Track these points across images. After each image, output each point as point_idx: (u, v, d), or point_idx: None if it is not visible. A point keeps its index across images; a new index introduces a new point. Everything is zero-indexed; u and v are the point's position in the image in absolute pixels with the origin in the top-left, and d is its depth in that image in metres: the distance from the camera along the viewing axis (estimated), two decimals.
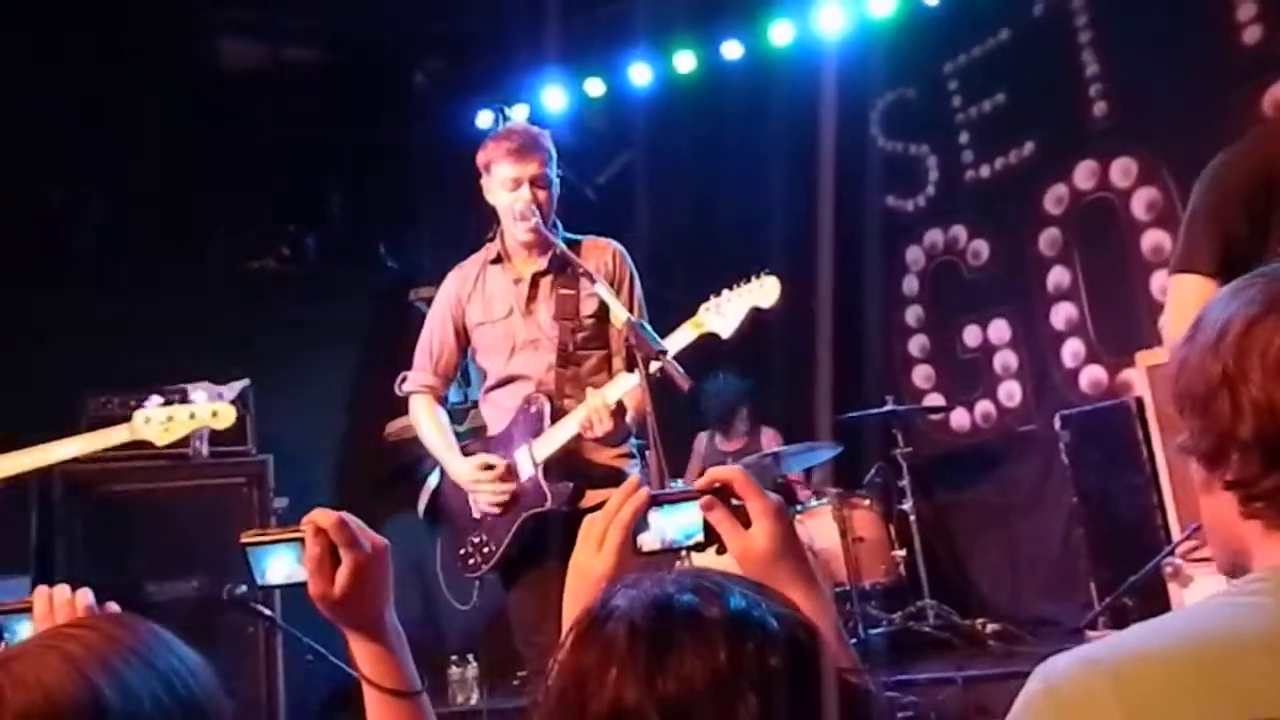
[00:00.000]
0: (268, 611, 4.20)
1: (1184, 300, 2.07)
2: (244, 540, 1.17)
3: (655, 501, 1.11)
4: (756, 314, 2.57)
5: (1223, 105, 4.49)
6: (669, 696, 0.71)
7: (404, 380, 2.94)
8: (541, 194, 2.72)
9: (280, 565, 1.15)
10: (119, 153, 4.82)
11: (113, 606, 1.24)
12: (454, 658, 4.57)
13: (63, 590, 1.23)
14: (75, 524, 4.02)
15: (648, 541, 1.11)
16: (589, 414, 2.55)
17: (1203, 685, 0.76)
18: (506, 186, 2.72)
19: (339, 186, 5.61)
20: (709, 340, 2.58)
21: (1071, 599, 4.62)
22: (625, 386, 2.54)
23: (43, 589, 1.24)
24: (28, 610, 1.24)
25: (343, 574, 1.10)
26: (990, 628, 4.41)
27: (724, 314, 2.54)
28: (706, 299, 2.59)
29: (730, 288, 2.58)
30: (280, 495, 4.46)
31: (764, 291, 2.54)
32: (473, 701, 4.43)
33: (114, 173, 4.83)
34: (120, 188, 4.87)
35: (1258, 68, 4.40)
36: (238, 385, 4.55)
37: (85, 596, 1.22)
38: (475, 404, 3.27)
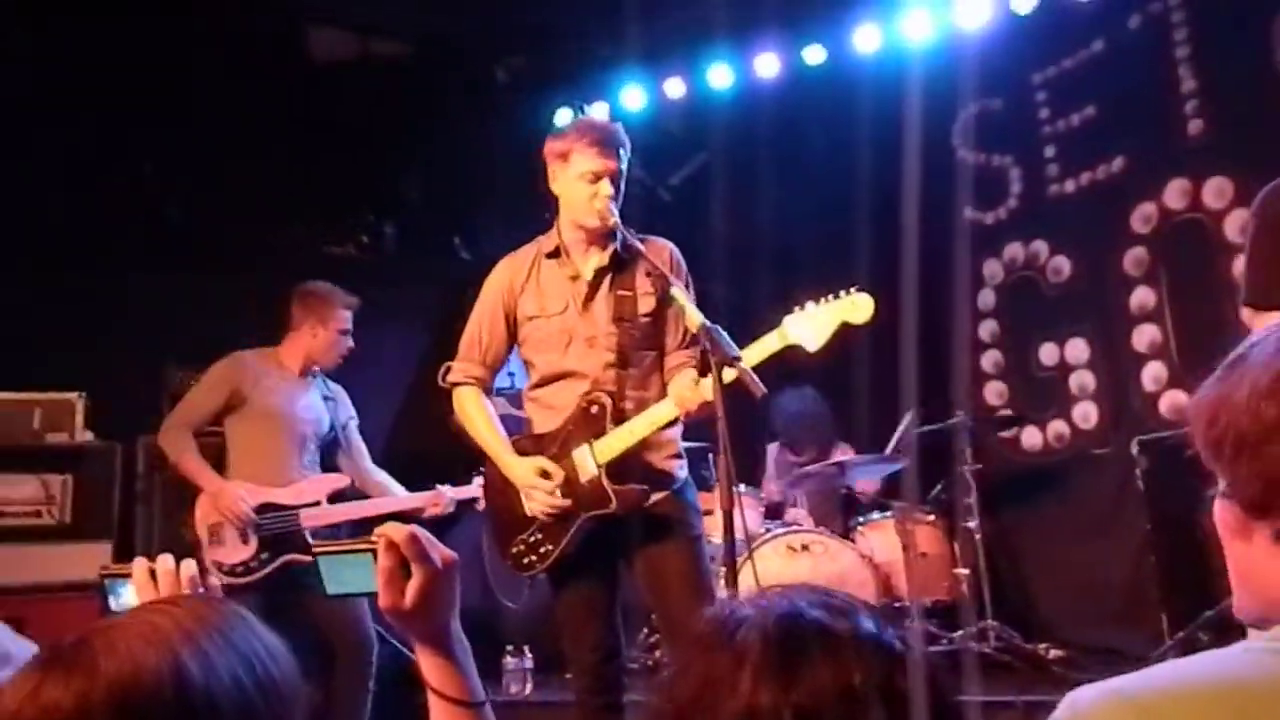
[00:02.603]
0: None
1: None
2: (315, 550, 1.21)
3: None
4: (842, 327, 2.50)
5: None
6: (802, 704, 0.74)
7: (448, 371, 2.86)
8: (617, 190, 2.70)
9: (351, 575, 1.18)
10: (209, 135, 4.97)
11: (214, 581, 1.29)
12: (509, 648, 4.61)
13: (167, 560, 1.28)
14: (154, 496, 4.17)
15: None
16: (684, 389, 2.51)
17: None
18: (585, 179, 2.67)
19: (419, 177, 5.72)
20: (789, 350, 2.52)
21: (1140, 629, 4.48)
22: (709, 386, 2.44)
23: (141, 560, 1.30)
24: (128, 576, 1.29)
25: (413, 587, 1.12)
26: (1054, 653, 4.31)
27: (811, 327, 2.47)
28: (790, 309, 2.51)
29: (817, 300, 2.50)
30: None
31: (856, 308, 2.48)
32: (526, 692, 4.48)
33: (203, 155, 4.98)
34: (208, 170, 5.02)
35: None
36: None
37: (189, 568, 1.27)
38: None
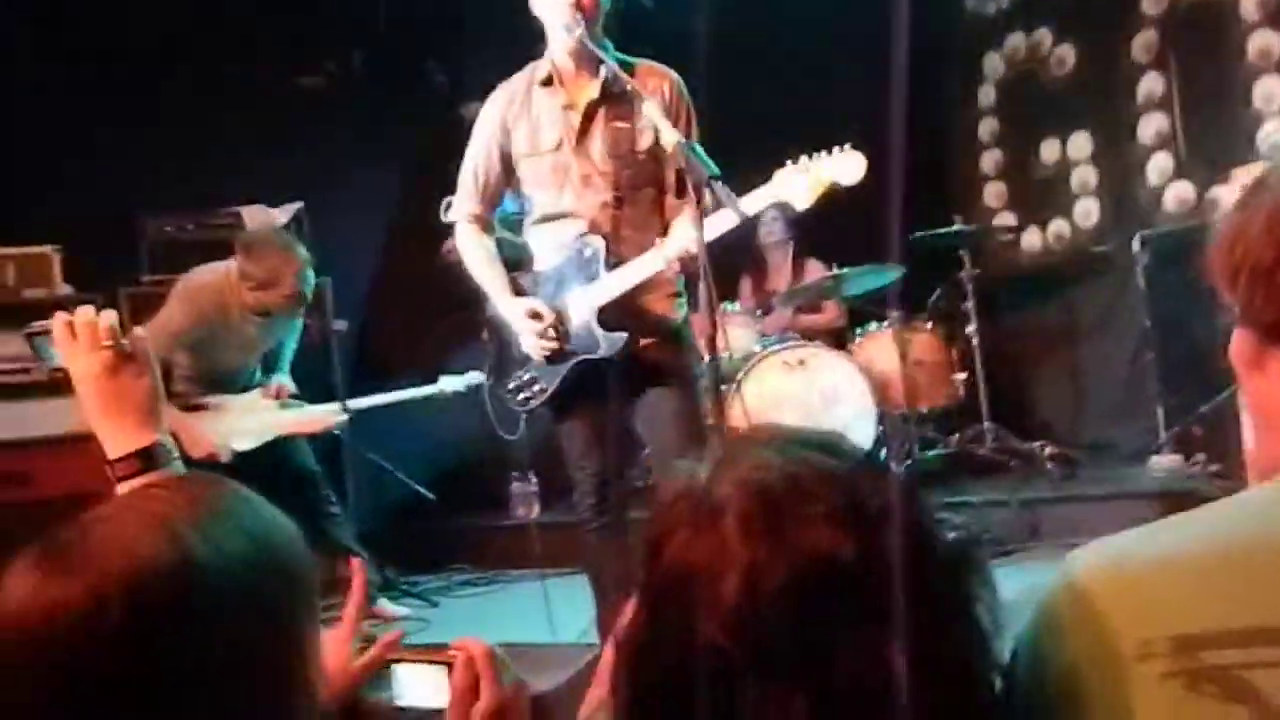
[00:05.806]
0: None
1: None
2: (389, 658, 1.17)
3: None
4: None
5: None
6: (796, 562, 0.68)
7: (448, 207, 2.85)
8: (587, 1, 2.53)
9: (424, 688, 1.13)
10: None
11: (138, 331, 1.22)
12: (515, 473, 4.70)
13: (86, 311, 1.20)
14: None
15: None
16: (677, 241, 2.49)
17: (1234, 592, 0.72)
18: None
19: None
20: None
21: (1135, 423, 4.54)
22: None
23: (60, 314, 1.22)
24: (48, 334, 1.22)
25: (480, 711, 1.07)
26: (1049, 451, 4.37)
27: (801, 184, 2.41)
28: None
29: (810, 155, 2.43)
30: (340, 318, 4.52)
31: (846, 167, 2.40)
32: (533, 515, 4.60)
33: None
34: (170, 6, 4.70)
35: None
36: (291, 207, 4.54)
37: (108, 318, 1.20)
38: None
